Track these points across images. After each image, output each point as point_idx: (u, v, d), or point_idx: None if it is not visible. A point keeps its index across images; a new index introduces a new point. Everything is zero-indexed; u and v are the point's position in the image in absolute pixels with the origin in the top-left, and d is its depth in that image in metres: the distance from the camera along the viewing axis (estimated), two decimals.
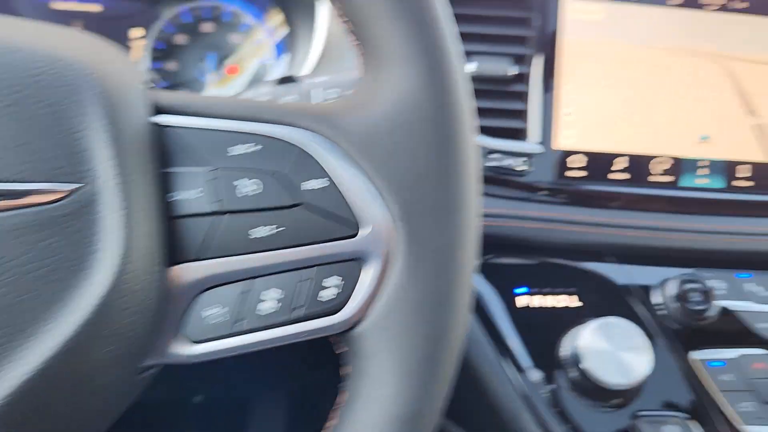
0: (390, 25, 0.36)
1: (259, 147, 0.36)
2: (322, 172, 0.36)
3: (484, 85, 0.71)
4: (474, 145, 0.38)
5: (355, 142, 0.36)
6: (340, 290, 0.36)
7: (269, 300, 0.36)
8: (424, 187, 0.36)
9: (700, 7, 0.73)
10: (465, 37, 0.71)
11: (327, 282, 0.36)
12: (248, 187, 0.35)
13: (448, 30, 0.37)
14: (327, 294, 0.36)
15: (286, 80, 0.52)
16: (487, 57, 0.71)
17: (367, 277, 0.36)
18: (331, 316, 0.36)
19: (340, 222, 0.36)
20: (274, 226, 0.35)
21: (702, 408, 0.66)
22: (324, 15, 0.73)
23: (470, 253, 0.37)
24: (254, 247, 0.35)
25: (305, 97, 0.51)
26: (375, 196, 0.36)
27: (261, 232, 0.35)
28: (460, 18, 0.71)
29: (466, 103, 0.37)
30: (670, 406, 0.66)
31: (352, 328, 0.36)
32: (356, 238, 0.36)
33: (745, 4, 0.73)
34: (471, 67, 0.70)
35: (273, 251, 0.35)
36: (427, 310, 0.36)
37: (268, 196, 0.35)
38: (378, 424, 0.35)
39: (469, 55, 0.71)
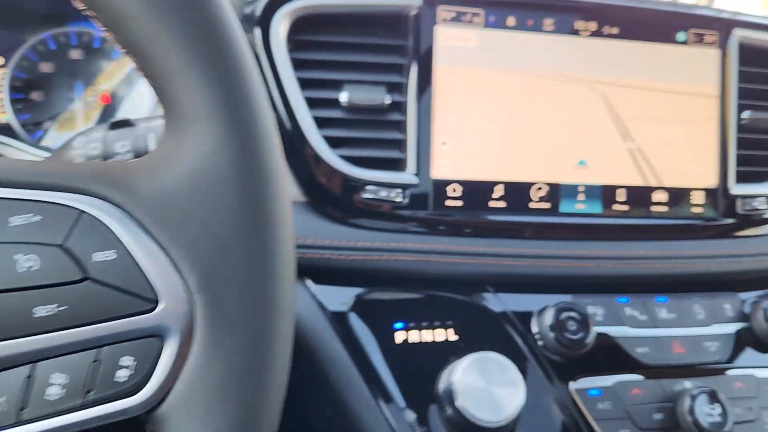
0: (188, 78, 0.34)
1: (39, 217, 0.33)
2: (111, 243, 0.33)
3: (359, 115, 0.69)
4: (285, 206, 0.35)
5: (148, 208, 0.33)
6: (134, 371, 0.33)
7: (56, 385, 0.32)
8: (226, 256, 0.33)
9: (573, 33, 0.73)
10: (338, 65, 0.70)
11: (122, 361, 0.33)
12: (28, 262, 0.32)
13: (254, 83, 0.35)
14: (122, 375, 0.33)
15: (120, 124, 0.48)
16: (361, 86, 0.69)
17: (166, 354, 0.33)
18: (128, 398, 0.33)
19: (132, 297, 0.33)
20: (58, 304, 0.32)
21: None
22: None
23: (282, 324, 0.35)
24: (37, 327, 0.32)
25: (141, 141, 0.48)
26: (170, 267, 0.33)
27: (44, 311, 0.32)
28: (332, 46, 0.69)
29: (273, 162, 0.35)
30: None
31: (153, 409, 0.34)
32: (151, 313, 0.33)
33: (615, 30, 0.74)
34: (342, 96, 0.68)
35: (58, 331, 0.32)
36: (232, 388, 0.33)
37: (51, 271, 0.32)
38: None
39: (342, 84, 0.69)
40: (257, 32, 0.67)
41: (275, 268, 0.34)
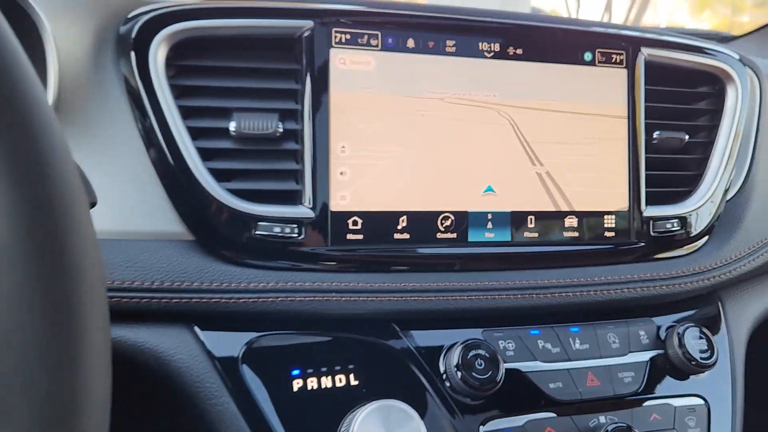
0: None
1: None
2: None
3: (250, 145, 0.64)
4: (90, 280, 0.30)
5: None
6: None
7: None
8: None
9: (477, 54, 0.70)
10: (225, 92, 0.65)
11: None
12: None
13: (33, 129, 0.29)
14: None
15: None
16: (251, 114, 0.64)
17: None
18: None
19: None
20: None
21: None
22: (53, 56, 0.61)
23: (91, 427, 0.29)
24: None
25: None
26: None
27: None
28: (219, 71, 0.64)
29: (67, 224, 0.29)
30: None
31: None
32: None
33: (520, 51, 0.71)
34: (231, 125, 0.63)
35: None
36: None
37: None
38: None
39: (230, 112, 0.64)
40: (133, 56, 0.62)
41: (77, 360, 0.29)
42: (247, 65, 0.65)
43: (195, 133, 0.63)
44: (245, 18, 0.64)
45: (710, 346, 0.72)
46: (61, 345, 0.28)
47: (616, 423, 0.66)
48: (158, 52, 0.62)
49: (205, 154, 0.63)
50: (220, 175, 0.63)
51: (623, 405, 0.69)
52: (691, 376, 0.73)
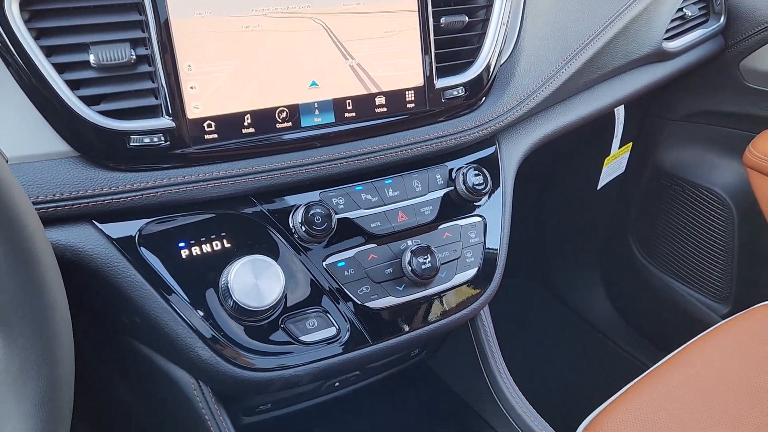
0: None
1: None
2: None
3: (111, 72, 0.78)
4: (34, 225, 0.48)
5: None
6: None
7: None
8: None
9: None
10: (79, 29, 0.77)
11: None
12: None
13: None
14: None
15: None
16: (106, 45, 0.77)
17: None
18: None
19: None
20: None
21: (334, 298, 0.90)
22: None
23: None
24: None
25: None
26: None
27: None
28: (71, 11, 0.76)
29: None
30: (309, 304, 0.88)
31: None
32: None
33: None
34: (91, 58, 0.76)
35: None
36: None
37: None
38: None
39: (87, 46, 0.76)
40: None
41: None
42: (94, 3, 0.77)
43: (60, 68, 0.76)
44: None
45: (485, 180, 1.00)
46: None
47: (419, 243, 0.94)
48: (12, 4, 0.72)
49: (73, 85, 0.76)
50: (89, 101, 0.77)
51: (424, 230, 0.98)
52: (473, 204, 1.02)
